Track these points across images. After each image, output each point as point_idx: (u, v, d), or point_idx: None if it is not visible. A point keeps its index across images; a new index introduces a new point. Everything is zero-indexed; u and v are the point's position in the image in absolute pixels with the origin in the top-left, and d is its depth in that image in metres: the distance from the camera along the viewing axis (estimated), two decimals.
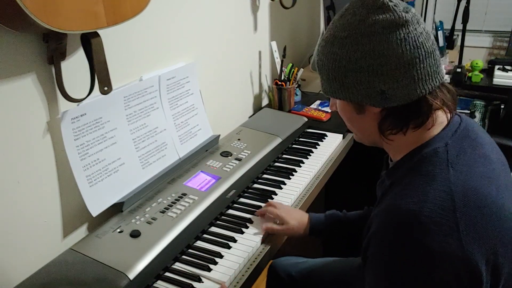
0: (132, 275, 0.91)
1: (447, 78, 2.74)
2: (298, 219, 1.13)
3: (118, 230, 1.02)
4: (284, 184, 1.32)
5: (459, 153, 0.72)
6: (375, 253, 0.71)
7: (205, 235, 1.10)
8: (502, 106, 2.29)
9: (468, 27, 2.28)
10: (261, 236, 1.09)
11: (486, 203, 0.68)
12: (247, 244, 1.06)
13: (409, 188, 0.70)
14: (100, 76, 0.95)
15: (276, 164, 1.44)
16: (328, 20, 1.90)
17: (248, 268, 1.01)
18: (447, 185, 0.68)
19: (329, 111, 1.78)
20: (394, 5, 0.71)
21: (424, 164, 0.72)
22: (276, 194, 1.26)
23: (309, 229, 1.13)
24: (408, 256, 0.65)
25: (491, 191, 0.69)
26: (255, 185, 1.32)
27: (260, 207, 1.19)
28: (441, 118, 0.77)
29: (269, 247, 1.08)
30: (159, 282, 0.95)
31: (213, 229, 1.12)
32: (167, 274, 0.97)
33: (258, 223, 1.14)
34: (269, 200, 1.23)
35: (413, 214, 0.66)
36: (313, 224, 1.13)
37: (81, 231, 1.10)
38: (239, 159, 1.35)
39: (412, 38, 0.70)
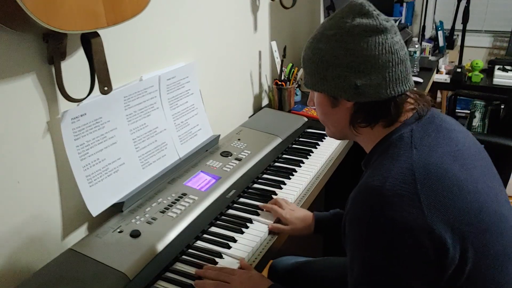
0: (132, 275, 0.91)
1: (447, 78, 2.75)
2: (302, 219, 1.16)
3: (118, 230, 1.03)
4: (284, 184, 1.32)
5: (423, 136, 0.79)
6: (349, 230, 0.76)
7: (205, 235, 1.10)
8: (502, 106, 2.30)
9: (468, 27, 2.28)
10: (261, 236, 1.09)
11: (447, 175, 0.73)
12: (247, 244, 1.06)
13: (376, 168, 0.77)
14: (100, 76, 0.95)
15: (276, 164, 1.44)
16: None
17: None
18: (409, 162, 0.74)
19: None
20: (377, 14, 0.80)
21: (391, 148, 0.79)
22: (276, 194, 1.26)
23: (314, 227, 1.15)
24: (375, 229, 0.70)
25: (453, 167, 0.74)
26: (255, 185, 1.32)
27: (260, 205, 1.19)
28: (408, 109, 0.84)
29: (269, 247, 1.08)
30: (159, 282, 0.95)
31: (213, 229, 1.12)
32: (167, 274, 0.97)
33: (258, 223, 1.14)
34: (273, 196, 1.23)
35: (376, 189, 0.71)
36: (318, 221, 1.16)
37: (81, 231, 1.10)
38: (239, 159, 1.36)
39: (388, 44, 0.78)
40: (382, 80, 0.78)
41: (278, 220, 1.15)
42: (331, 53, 0.81)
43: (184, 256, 1.03)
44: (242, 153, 1.39)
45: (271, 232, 1.12)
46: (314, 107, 0.93)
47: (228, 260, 1.00)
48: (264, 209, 1.18)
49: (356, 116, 0.83)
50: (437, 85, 2.74)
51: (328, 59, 0.81)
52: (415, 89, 0.85)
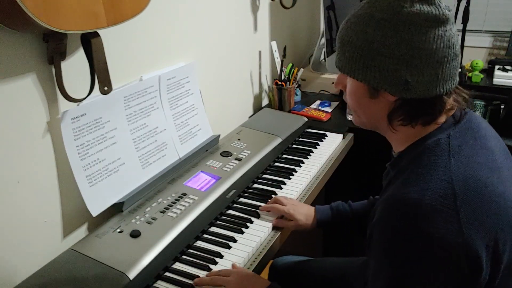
0: (132, 275, 0.91)
1: None
2: (305, 213, 1.16)
3: (118, 230, 1.02)
4: (284, 184, 1.32)
5: (461, 144, 0.73)
6: (378, 240, 0.72)
7: (205, 235, 1.10)
8: (502, 106, 2.29)
9: (468, 27, 2.27)
10: (261, 236, 1.09)
11: (486, 191, 0.68)
12: (247, 244, 1.06)
13: (412, 178, 0.71)
14: (100, 76, 0.95)
15: (276, 164, 1.44)
16: (328, 20, 1.90)
17: (248, 268, 1.01)
18: (448, 174, 0.69)
19: (329, 111, 1.78)
20: (440, 0, 0.71)
21: (427, 154, 0.73)
22: (276, 194, 1.26)
23: (316, 223, 1.16)
24: (410, 243, 0.66)
25: (492, 180, 0.70)
26: (255, 185, 1.32)
27: (260, 207, 1.19)
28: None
29: (269, 246, 1.08)
30: (159, 282, 0.95)
31: (213, 229, 1.12)
32: (167, 274, 0.97)
33: (258, 223, 1.14)
34: (273, 196, 1.23)
35: (415, 202, 0.67)
36: (320, 217, 1.16)
37: (81, 231, 1.10)
38: (239, 159, 1.35)
39: (447, 37, 0.71)
40: (435, 77, 0.71)
41: (280, 216, 1.16)
42: (381, 41, 0.71)
43: (184, 256, 1.03)
44: (242, 153, 1.39)
45: (274, 228, 1.13)
46: (341, 89, 0.85)
47: (225, 264, 1.00)
48: (265, 211, 1.17)
49: (397, 112, 0.76)
50: None
51: (377, 47, 0.72)
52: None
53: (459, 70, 0.76)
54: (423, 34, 0.70)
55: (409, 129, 0.78)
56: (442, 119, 0.77)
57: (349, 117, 1.73)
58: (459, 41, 0.74)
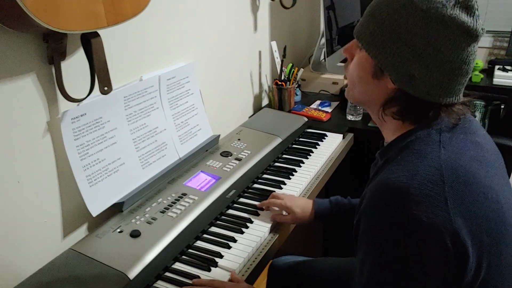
0: (132, 275, 0.91)
1: None
2: (303, 206, 1.16)
3: (118, 230, 1.02)
4: (284, 184, 1.32)
5: (451, 136, 0.74)
6: (366, 225, 0.72)
7: (205, 235, 1.10)
8: (502, 106, 2.29)
9: None
10: (261, 236, 1.09)
11: (474, 181, 0.70)
12: (247, 244, 1.06)
13: (401, 164, 0.72)
14: (100, 76, 0.95)
15: (276, 164, 1.44)
16: (328, 20, 1.90)
17: (248, 268, 1.01)
18: (437, 161, 0.70)
19: (329, 111, 1.78)
20: (479, 16, 0.72)
21: (417, 143, 0.74)
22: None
23: (314, 215, 1.15)
24: (398, 227, 0.67)
25: (480, 173, 0.71)
26: (255, 185, 1.32)
27: (258, 204, 1.19)
28: None
29: (269, 246, 1.08)
30: (159, 282, 0.95)
31: (213, 229, 1.12)
32: (167, 274, 0.97)
33: (258, 223, 1.14)
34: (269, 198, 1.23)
35: (403, 187, 0.67)
36: (318, 209, 1.16)
37: (81, 231, 1.10)
38: (239, 159, 1.35)
39: (468, 52, 0.72)
40: (438, 84, 0.72)
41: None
42: (409, 28, 0.71)
43: (184, 256, 1.03)
44: (242, 153, 1.39)
45: (274, 227, 1.13)
46: (348, 56, 0.85)
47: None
48: (263, 206, 1.18)
49: (392, 101, 0.77)
50: None
51: (401, 31, 0.72)
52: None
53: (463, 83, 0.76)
54: (449, 40, 0.70)
55: (399, 122, 0.79)
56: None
57: (349, 117, 1.73)
58: (474, 62, 0.75)
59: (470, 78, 2.42)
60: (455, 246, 0.65)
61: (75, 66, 1.00)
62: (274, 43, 1.84)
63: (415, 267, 0.67)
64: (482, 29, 0.71)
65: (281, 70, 1.79)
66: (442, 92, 0.74)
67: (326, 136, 1.61)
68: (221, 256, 1.02)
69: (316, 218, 1.16)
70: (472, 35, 0.71)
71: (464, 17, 0.70)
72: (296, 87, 1.89)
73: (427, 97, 0.74)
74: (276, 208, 1.17)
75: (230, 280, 0.95)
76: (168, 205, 1.12)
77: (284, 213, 1.16)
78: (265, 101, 1.95)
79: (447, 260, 0.66)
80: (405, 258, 0.67)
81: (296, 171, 1.39)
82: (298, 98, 1.92)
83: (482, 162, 0.74)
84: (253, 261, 1.03)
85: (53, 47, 0.91)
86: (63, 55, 0.94)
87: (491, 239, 0.69)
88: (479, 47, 0.78)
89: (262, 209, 1.19)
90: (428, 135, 0.74)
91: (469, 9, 0.71)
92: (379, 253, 0.69)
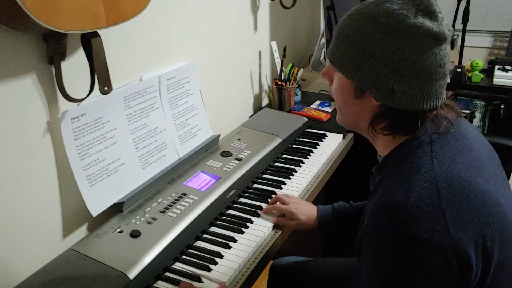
0: (132, 275, 0.91)
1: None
2: (308, 214, 1.16)
3: (118, 230, 1.02)
4: (284, 184, 1.32)
5: (442, 145, 0.74)
6: (368, 245, 0.72)
7: (205, 235, 1.10)
8: (502, 106, 2.29)
9: (468, 27, 2.28)
10: (261, 236, 1.09)
11: (470, 189, 0.69)
12: (247, 244, 1.06)
13: (396, 181, 0.72)
14: (100, 76, 0.95)
15: (276, 164, 1.44)
16: (328, 20, 1.90)
17: (248, 268, 1.01)
18: (431, 175, 0.70)
19: (329, 111, 1.78)
20: (442, 18, 0.72)
21: (410, 156, 0.74)
22: (276, 194, 1.26)
23: (318, 223, 1.16)
24: (399, 245, 0.67)
25: (475, 178, 0.71)
26: (255, 185, 1.32)
27: (260, 207, 1.19)
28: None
29: (269, 247, 1.08)
30: (159, 282, 0.95)
31: (213, 229, 1.12)
32: (167, 274, 0.97)
33: (258, 223, 1.14)
34: (273, 196, 1.23)
35: (400, 204, 0.67)
36: (321, 217, 1.16)
37: (81, 231, 1.10)
38: (239, 159, 1.35)
39: (441, 56, 0.72)
40: (420, 92, 0.73)
41: (282, 215, 1.16)
42: (378, 45, 0.72)
43: (184, 256, 1.03)
44: (242, 153, 1.39)
45: (274, 227, 1.13)
46: (327, 79, 0.86)
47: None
48: (268, 211, 1.17)
49: (378, 117, 0.78)
50: None
51: (372, 49, 0.72)
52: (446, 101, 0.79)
53: (447, 82, 0.77)
54: (419, 48, 0.70)
55: (389, 136, 0.79)
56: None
57: None
58: (450, 62, 0.75)
59: (470, 78, 2.43)
60: (457, 258, 0.65)
61: (75, 66, 1.00)
62: (274, 43, 1.84)
63: (418, 284, 0.66)
64: (448, 30, 0.72)
65: (281, 70, 1.79)
66: (424, 99, 0.74)
67: (326, 136, 1.61)
68: (221, 256, 1.02)
69: (319, 226, 1.16)
70: (440, 39, 0.71)
71: (428, 23, 0.70)
72: (296, 87, 1.89)
73: (411, 107, 0.74)
74: (281, 212, 1.16)
75: None
76: (168, 205, 1.12)
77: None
78: (265, 101, 1.95)
79: (450, 273, 0.66)
80: (409, 276, 0.67)
81: (296, 171, 1.39)
82: (298, 98, 1.92)
83: (476, 167, 0.73)
84: (253, 261, 1.03)
85: (53, 47, 0.91)
86: (63, 55, 0.94)
87: (496, 243, 0.69)
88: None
89: (266, 213, 1.18)
90: (419, 147, 0.74)
91: (431, 15, 0.71)
92: (383, 272, 0.69)
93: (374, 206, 0.72)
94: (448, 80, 0.76)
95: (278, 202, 1.18)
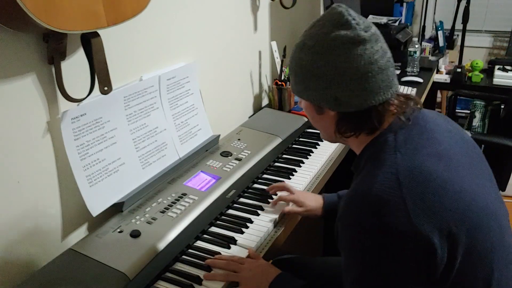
0: (132, 275, 0.91)
1: (447, 78, 2.75)
2: (315, 200, 1.21)
3: (118, 230, 1.03)
4: None
5: (406, 138, 0.80)
6: (342, 236, 0.79)
7: (205, 235, 1.10)
8: (502, 106, 2.30)
9: (468, 27, 2.28)
10: (261, 236, 1.09)
11: (431, 177, 0.73)
12: (247, 244, 1.06)
13: (364, 174, 0.79)
14: (100, 76, 0.95)
15: (276, 164, 1.44)
16: None
17: None
18: (394, 167, 0.75)
19: None
20: (356, 24, 0.79)
21: (377, 152, 0.80)
22: (276, 194, 1.26)
23: (324, 209, 1.20)
24: (365, 235, 0.73)
25: (437, 168, 0.75)
26: (255, 185, 1.32)
27: (260, 207, 1.19)
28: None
29: (269, 246, 1.08)
30: (159, 282, 0.95)
31: (213, 229, 1.12)
32: (167, 274, 0.97)
33: (258, 223, 1.14)
34: (274, 196, 1.24)
35: (363, 195, 0.74)
36: (328, 205, 1.20)
37: (81, 231, 1.10)
38: (239, 159, 1.36)
39: (367, 55, 0.78)
40: (362, 91, 0.79)
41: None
42: (311, 64, 0.81)
43: (184, 256, 1.03)
44: (242, 153, 1.39)
45: (275, 226, 1.14)
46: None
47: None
48: (276, 203, 1.20)
49: (341, 124, 0.85)
50: (437, 85, 2.75)
51: (309, 69, 0.82)
52: (400, 92, 0.85)
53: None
54: (343, 55, 0.78)
55: (357, 138, 0.86)
56: (390, 119, 0.83)
57: None
58: (388, 55, 0.81)
59: (470, 78, 2.43)
60: (419, 243, 0.69)
61: (75, 66, 1.00)
62: (274, 43, 1.84)
63: (390, 269, 0.72)
64: (365, 31, 0.79)
65: (281, 70, 1.79)
66: (369, 96, 0.79)
67: None
68: None
69: (325, 212, 1.20)
70: (357, 41, 0.78)
71: (343, 33, 0.78)
72: None
73: (362, 106, 0.80)
74: (287, 201, 1.20)
75: (248, 257, 1.01)
76: (168, 205, 1.12)
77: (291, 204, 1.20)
78: (265, 101, 1.95)
79: (415, 258, 0.70)
80: (379, 263, 0.72)
81: (296, 171, 1.39)
82: (298, 98, 1.92)
83: (442, 156, 0.77)
84: None
85: (53, 47, 0.91)
86: (63, 55, 0.95)
87: (460, 228, 0.72)
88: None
89: (269, 195, 1.23)
90: (384, 143, 0.80)
91: (344, 25, 0.79)
92: (357, 260, 0.75)
93: (345, 198, 0.78)
94: (396, 72, 0.83)
95: (285, 193, 1.21)
